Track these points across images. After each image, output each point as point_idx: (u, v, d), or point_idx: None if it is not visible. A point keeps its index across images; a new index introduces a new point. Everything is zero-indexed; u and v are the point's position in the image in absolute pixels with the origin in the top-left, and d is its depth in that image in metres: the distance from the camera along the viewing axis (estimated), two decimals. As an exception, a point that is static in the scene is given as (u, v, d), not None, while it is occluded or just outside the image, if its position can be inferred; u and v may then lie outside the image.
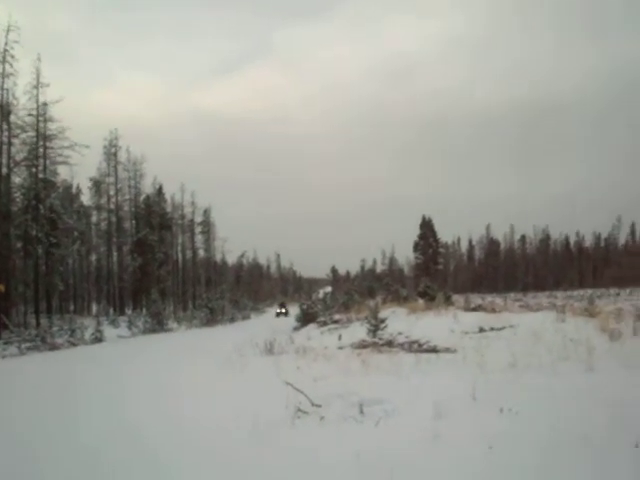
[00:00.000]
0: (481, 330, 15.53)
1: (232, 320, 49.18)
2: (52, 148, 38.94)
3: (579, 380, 8.30)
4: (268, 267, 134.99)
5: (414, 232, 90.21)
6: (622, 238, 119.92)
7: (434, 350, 12.82)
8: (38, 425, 8.25)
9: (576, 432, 5.78)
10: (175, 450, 6.54)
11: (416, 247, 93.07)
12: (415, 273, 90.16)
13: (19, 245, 37.22)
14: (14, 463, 6.35)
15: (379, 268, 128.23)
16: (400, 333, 15.77)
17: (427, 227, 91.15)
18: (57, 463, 6.26)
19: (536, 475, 4.96)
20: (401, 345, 14.14)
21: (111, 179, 57.37)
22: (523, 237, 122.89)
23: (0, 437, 7.63)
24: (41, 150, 38.31)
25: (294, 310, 45.21)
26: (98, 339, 27.06)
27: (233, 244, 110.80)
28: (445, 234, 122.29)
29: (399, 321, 18.74)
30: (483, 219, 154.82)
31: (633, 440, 5.37)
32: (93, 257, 61.72)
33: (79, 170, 48.60)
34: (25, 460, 6.50)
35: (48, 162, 39.24)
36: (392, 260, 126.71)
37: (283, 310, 61.17)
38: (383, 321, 16.78)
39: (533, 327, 14.20)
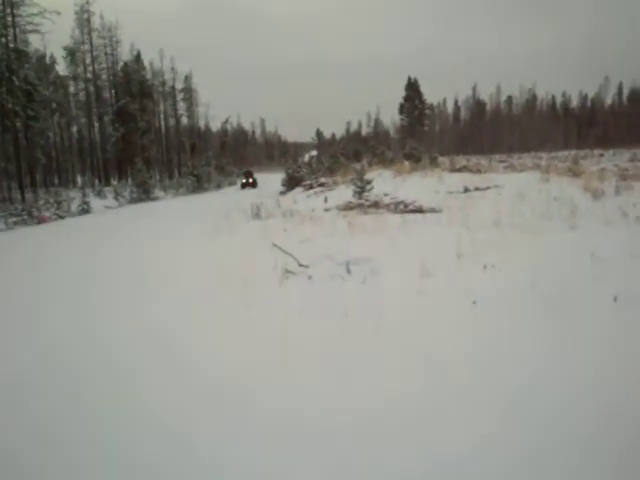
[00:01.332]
0: (466, 190, 15.61)
1: (218, 187, 49.30)
2: (20, 16, 36.94)
3: (561, 238, 8.42)
4: (253, 132, 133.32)
5: (399, 94, 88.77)
6: (609, 99, 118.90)
7: (420, 210, 12.92)
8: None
9: (557, 288, 5.95)
10: (174, 306, 6.76)
11: (402, 109, 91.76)
12: (401, 135, 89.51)
13: (-4, 119, 36.45)
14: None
15: (364, 131, 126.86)
16: (386, 194, 15.83)
17: (412, 88, 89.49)
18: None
19: (515, 328, 5.14)
20: (387, 206, 14.22)
21: (86, 47, 55.26)
22: (509, 98, 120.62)
23: None
24: (9, 19, 36.39)
25: (270, 178, 45.20)
26: (85, 210, 27.09)
27: (216, 110, 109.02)
28: (431, 95, 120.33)
29: (385, 183, 18.74)
30: (469, 80, 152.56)
31: (612, 294, 5.53)
32: (74, 129, 60.56)
33: (52, 38, 46.82)
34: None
35: (18, 31, 37.26)
36: (377, 122, 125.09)
37: (250, 180, 46.84)
38: (369, 183, 16.79)
39: (517, 187, 14.25)
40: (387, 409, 3.81)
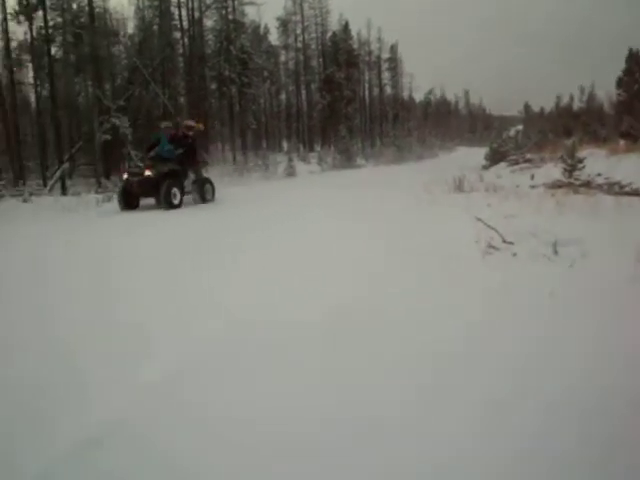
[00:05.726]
0: (692, 174, 14.28)
1: (419, 158, 49.05)
2: (239, -12, 39.60)
3: None
4: (456, 104, 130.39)
5: (617, 66, 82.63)
6: None
7: (637, 193, 12.03)
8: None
9: None
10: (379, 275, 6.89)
11: (619, 83, 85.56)
12: (617, 111, 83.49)
13: (214, 86, 39.26)
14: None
15: (576, 105, 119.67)
16: (599, 174, 14.85)
17: (633, 61, 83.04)
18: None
19: None
20: (599, 186, 13.36)
21: (297, 17, 57.77)
22: None
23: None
24: (229, -9, 39.09)
25: (472, 152, 42.83)
26: (290, 174, 28.37)
27: (420, 81, 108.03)
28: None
29: (597, 162, 17.56)
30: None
31: None
32: (282, 96, 63.37)
33: (266, 10, 49.46)
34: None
35: (236, 3, 40.19)
36: (591, 97, 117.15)
37: (135, 178, 15.39)
38: (580, 161, 15.84)
39: None
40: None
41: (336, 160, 36.20)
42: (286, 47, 58.56)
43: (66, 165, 25.63)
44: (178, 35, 35.71)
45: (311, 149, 53.39)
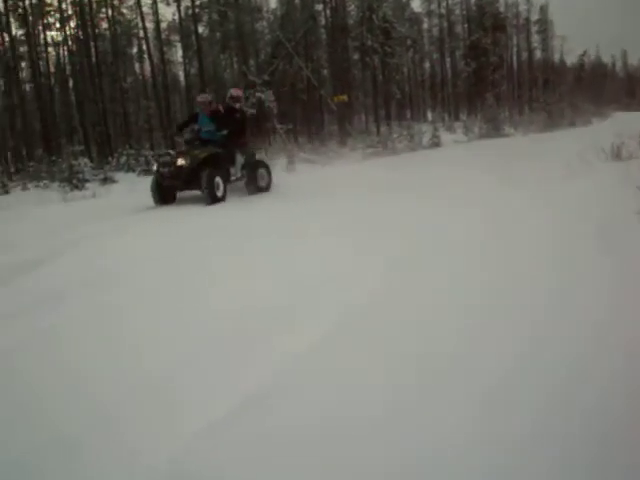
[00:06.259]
0: None
1: (571, 125, 46.57)
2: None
3: None
4: (613, 65, 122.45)
5: None
6: None
7: None
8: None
9: None
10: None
11: None
12: None
13: (356, 57, 39.19)
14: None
15: None
16: None
17: None
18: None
19: None
20: None
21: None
22: None
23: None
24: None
25: (631, 117, 40.05)
26: (436, 144, 27.84)
27: (573, 42, 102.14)
28: None
29: None
30: None
31: None
32: (426, 64, 62.44)
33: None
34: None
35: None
36: None
37: (182, 162, 11.97)
38: None
39: None
40: None
41: (483, 129, 35.03)
42: (429, 14, 57.66)
43: (214, 139, 26.58)
44: (320, 7, 35.94)
45: (456, 118, 52.22)
